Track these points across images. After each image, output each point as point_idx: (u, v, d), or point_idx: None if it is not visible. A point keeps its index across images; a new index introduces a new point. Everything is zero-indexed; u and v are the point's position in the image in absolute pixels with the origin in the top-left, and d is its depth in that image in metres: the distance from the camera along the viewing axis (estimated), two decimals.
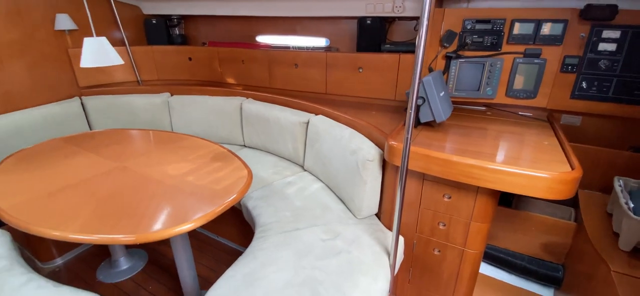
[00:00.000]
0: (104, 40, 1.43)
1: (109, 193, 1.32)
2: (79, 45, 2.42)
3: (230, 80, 2.68)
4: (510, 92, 1.71)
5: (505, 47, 1.67)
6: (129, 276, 1.99)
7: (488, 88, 1.74)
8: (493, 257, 1.72)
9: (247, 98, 2.40)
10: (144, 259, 2.13)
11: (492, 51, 1.69)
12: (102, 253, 2.19)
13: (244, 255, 1.33)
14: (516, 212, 1.68)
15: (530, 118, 1.68)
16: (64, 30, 2.33)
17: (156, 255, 2.17)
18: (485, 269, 1.78)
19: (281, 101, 2.28)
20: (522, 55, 1.64)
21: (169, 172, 1.49)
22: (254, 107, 2.28)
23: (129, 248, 2.15)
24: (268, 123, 2.21)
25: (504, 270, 1.72)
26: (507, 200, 1.87)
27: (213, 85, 2.65)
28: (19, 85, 2.16)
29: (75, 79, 2.47)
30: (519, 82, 1.69)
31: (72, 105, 2.36)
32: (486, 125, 1.54)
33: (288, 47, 2.41)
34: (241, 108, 2.36)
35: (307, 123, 2.00)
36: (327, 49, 2.31)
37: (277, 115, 2.14)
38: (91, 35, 1.39)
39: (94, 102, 2.45)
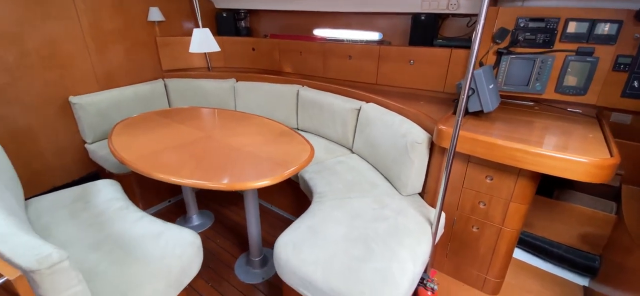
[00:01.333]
0: (207, 31, 1.74)
1: (202, 155, 1.64)
2: (165, 34, 2.84)
3: (288, 69, 2.97)
4: (559, 88, 1.78)
5: (557, 45, 1.73)
6: (200, 230, 2.37)
7: (537, 84, 1.82)
8: (530, 244, 1.82)
9: (303, 86, 2.66)
10: (211, 219, 2.50)
11: (544, 48, 1.76)
12: (177, 210, 2.60)
13: (305, 213, 1.59)
14: (556, 202, 1.75)
15: (579, 114, 1.73)
16: (154, 21, 2.76)
17: (221, 217, 2.53)
18: (521, 255, 1.88)
19: (334, 89, 2.50)
20: (574, 53, 1.70)
21: (246, 142, 1.79)
22: (310, 94, 2.53)
23: (200, 208, 2.54)
24: (321, 109, 2.45)
25: (540, 257, 1.81)
26: (548, 192, 1.94)
27: (273, 73, 2.94)
28: (118, 67, 2.62)
29: (160, 64, 2.90)
30: (569, 79, 1.75)
31: (157, 86, 2.79)
32: (533, 119, 1.64)
33: (342, 40, 2.62)
34: (298, 95, 2.63)
35: (359, 110, 2.21)
36: (380, 42, 2.49)
37: (331, 101, 2.37)
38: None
39: (173, 84, 2.87)
